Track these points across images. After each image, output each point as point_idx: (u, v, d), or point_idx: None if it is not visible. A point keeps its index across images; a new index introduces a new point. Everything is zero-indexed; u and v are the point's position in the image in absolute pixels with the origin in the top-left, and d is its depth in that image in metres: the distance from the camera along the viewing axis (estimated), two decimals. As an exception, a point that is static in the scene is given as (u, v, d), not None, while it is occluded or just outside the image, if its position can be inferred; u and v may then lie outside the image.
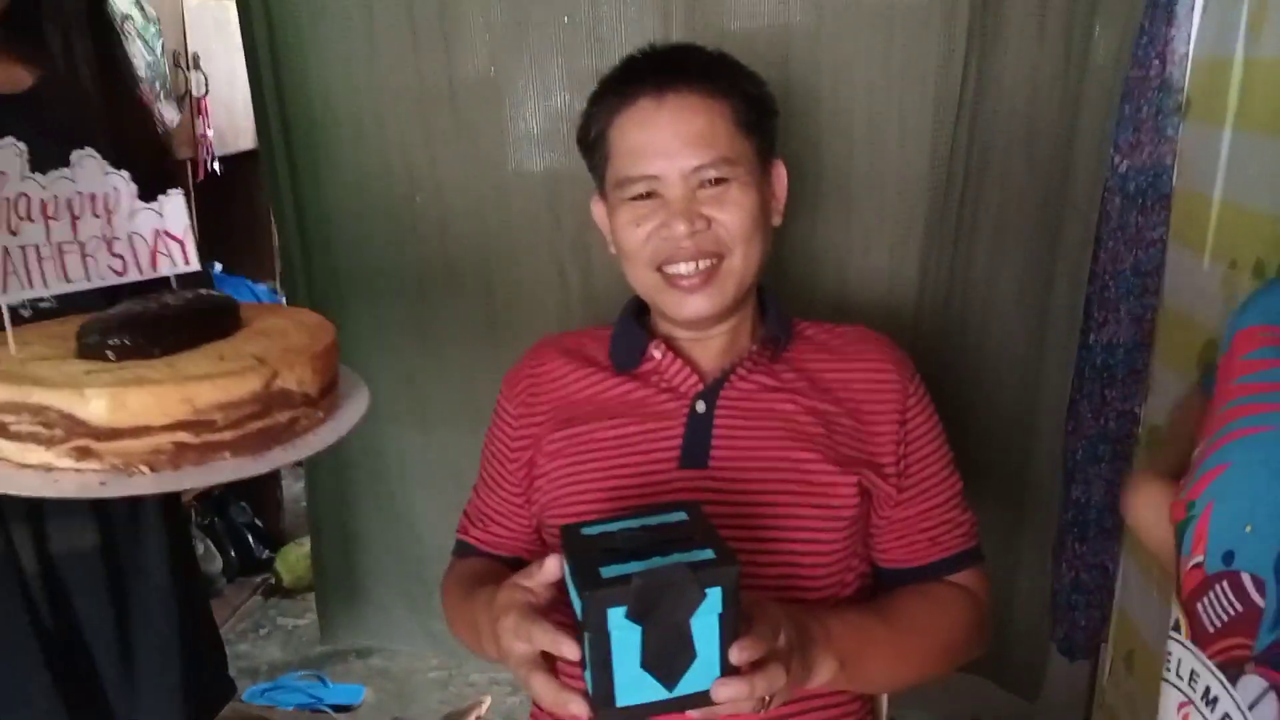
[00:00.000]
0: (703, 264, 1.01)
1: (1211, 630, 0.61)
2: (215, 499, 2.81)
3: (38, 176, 0.85)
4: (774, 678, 0.77)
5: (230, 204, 2.67)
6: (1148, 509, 0.77)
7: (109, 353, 0.82)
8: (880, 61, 1.41)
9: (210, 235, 2.45)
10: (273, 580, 2.80)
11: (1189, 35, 1.36)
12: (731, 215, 1.00)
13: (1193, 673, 0.63)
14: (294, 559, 2.77)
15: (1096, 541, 1.58)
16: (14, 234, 0.84)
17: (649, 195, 1.02)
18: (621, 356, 1.10)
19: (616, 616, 0.71)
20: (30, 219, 0.85)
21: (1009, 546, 1.58)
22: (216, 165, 2.48)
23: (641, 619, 0.72)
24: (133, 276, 0.93)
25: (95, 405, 0.76)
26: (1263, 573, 0.58)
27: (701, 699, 0.76)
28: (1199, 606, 0.63)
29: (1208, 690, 0.61)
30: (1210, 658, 0.61)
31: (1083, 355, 1.50)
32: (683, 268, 1.01)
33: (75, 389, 0.76)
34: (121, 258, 0.93)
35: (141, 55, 2.20)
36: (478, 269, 1.66)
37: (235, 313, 0.94)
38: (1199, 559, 0.63)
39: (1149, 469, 0.81)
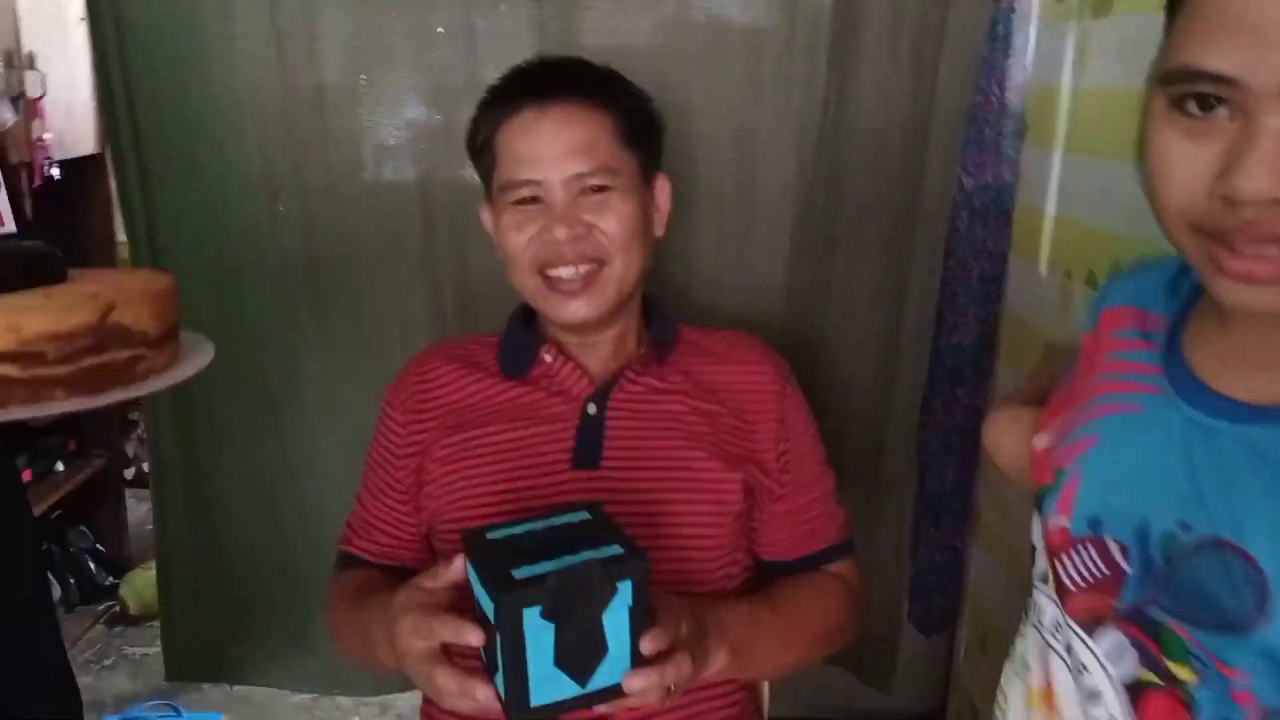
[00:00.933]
0: (583, 268, 1.03)
1: (1074, 589, 0.66)
2: (52, 523, 2.62)
3: None
4: (681, 665, 0.80)
5: (71, 210, 2.52)
6: (1006, 432, 0.81)
7: None
8: (748, 81, 1.48)
9: (50, 243, 2.30)
10: (117, 608, 2.64)
11: (1025, 65, 1.48)
12: (611, 222, 1.03)
13: (1057, 623, 0.68)
14: (140, 584, 2.61)
15: (949, 526, 1.69)
16: None
17: (532, 200, 1.03)
18: (511, 361, 1.11)
19: (531, 616, 0.72)
20: None
21: (865, 537, 1.66)
22: (55, 170, 2.33)
23: (557, 617, 0.73)
24: None
25: None
26: (1126, 539, 0.63)
27: (612, 693, 0.77)
28: (1060, 564, 0.67)
29: (1069, 645, 0.66)
30: (1070, 615, 0.66)
31: (934, 356, 1.61)
32: (564, 271, 1.04)
33: None
34: None
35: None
36: (345, 279, 1.62)
37: (61, 263, 0.87)
38: (1064, 523, 0.68)
39: (1010, 398, 0.86)
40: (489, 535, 0.81)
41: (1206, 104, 0.53)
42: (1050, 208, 1.40)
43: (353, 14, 1.52)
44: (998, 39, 1.46)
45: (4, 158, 1.20)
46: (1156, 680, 0.60)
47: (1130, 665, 0.62)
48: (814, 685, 1.79)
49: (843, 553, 1.15)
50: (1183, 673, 0.58)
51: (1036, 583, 0.72)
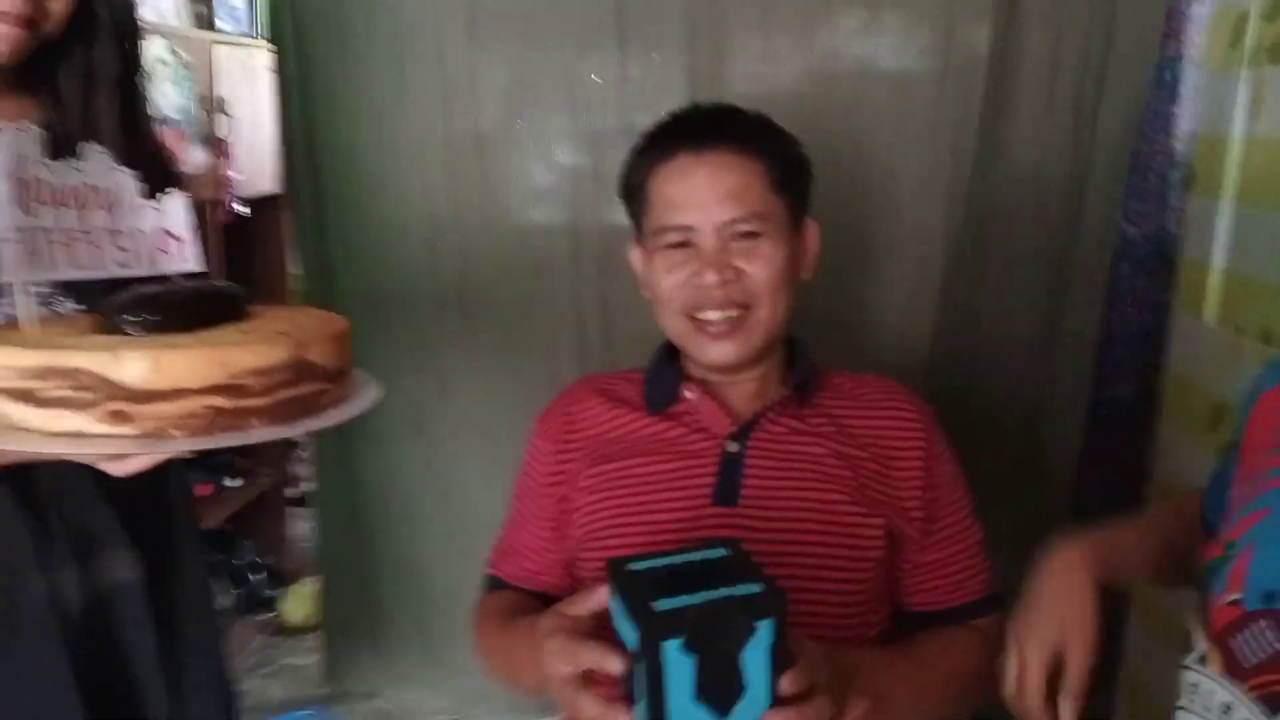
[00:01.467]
0: (731, 312, 1.05)
1: (1248, 666, 0.64)
2: (223, 535, 2.81)
3: (48, 162, 0.85)
4: (821, 709, 0.80)
5: (251, 245, 2.72)
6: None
7: (130, 328, 0.82)
8: (898, 125, 1.48)
9: (232, 275, 2.48)
10: (277, 619, 2.79)
11: (1193, 113, 1.42)
12: (760, 268, 1.04)
13: (1227, 705, 0.65)
14: (299, 598, 2.76)
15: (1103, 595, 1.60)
16: (32, 216, 0.83)
17: (683, 245, 1.05)
18: (655, 397, 1.13)
19: (672, 648, 0.73)
20: (44, 203, 0.85)
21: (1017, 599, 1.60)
22: (240, 207, 2.52)
23: (697, 650, 0.74)
24: (137, 271, 0.93)
25: (133, 367, 0.75)
26: None
27: None
28: (1232, 643, 0.65)
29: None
30: (1248, 691, 0.64)
31: (1091, 411, 1.54)
32: (711, 314, 1.05)
33: (111, 351, 0.75)
34: (126, 250, 0.93)
35: (173, 99, 2.26)
36: (495, 314, 1.71)
37: (243, 300, 0.94)
38: (1236, 596, 0.65)
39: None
40: (632, 566, 0.83)
41: None
42: (1219, 260, 1.33)
43: (512, 65, 1.60)
44: (1164, 86, 1.41)
45: (191, 198, 1.31)
46: None
47: None
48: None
49: (988, 607, 1.11)
50: None
51: (1193, 665, 0.69)
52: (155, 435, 0.76)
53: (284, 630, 2.75)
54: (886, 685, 0.95)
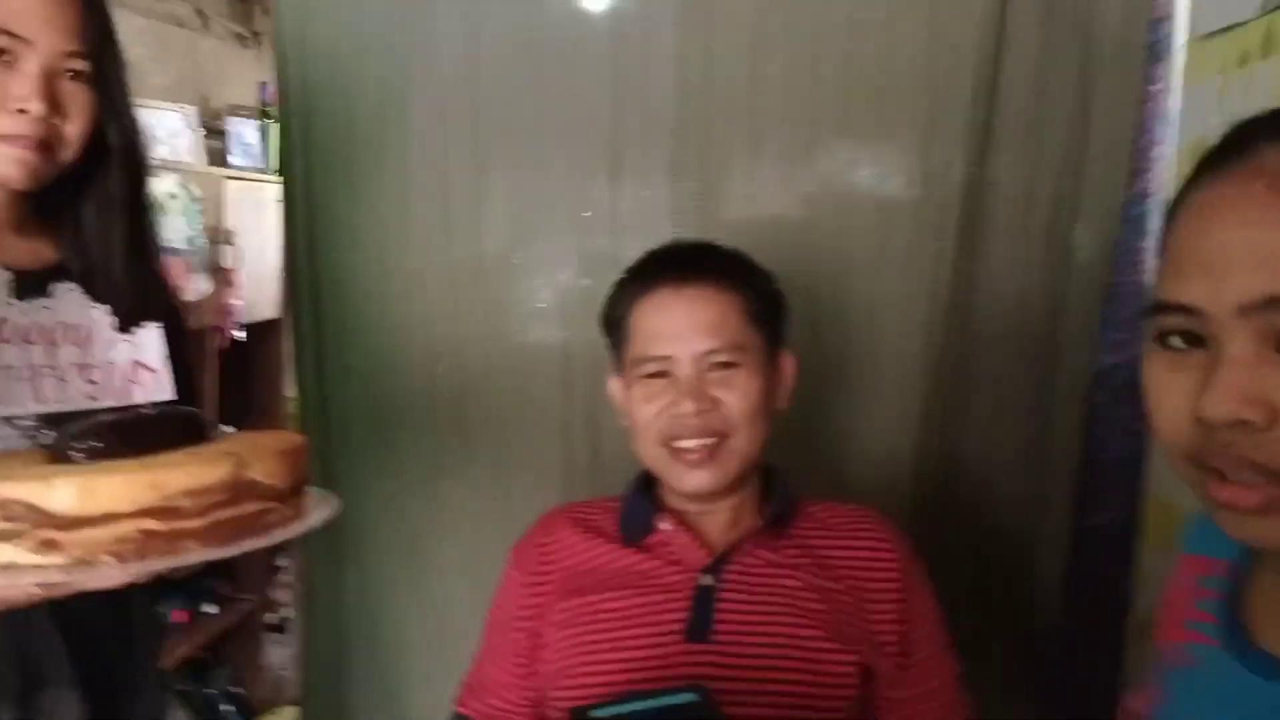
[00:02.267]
0: (707, 440, 1.07)
1: None
2: (195, 662, 2.74)
3: (16, 303, 0.87)
4: None
5: (250, 370, 2.76)
6: None
7: (78, 455, 0.81)
8: (876, 254, 1.54)
9: (229, 399, 2.51)
10: (249, 752, 2.69)
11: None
12: (737, 397, 1.07)
13: None
14: (271, 730, 2.68)
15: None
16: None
17: (662, 375, 1.09)
18: (630, 528, 1.14)
19: None
20: (9, 342, 0.86)
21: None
22: (240, 333, 2.58)
23: None
24: (106, 402, 0.94)
25: (63, 493, 0.74)
26: None
27: None
28: None
29: None
30: None
31: (1075, 540, 1.55)
32: (689, 443, 1.08)
33: (43, 480, 0.75)
34: (95, 384, 0.94)
35: (183, 230, 2.34)
36: (489, 437, 1.72)
37: (204, 425, 0.93)
38: None
39: None
40: (594, 714, 0.83)
41: (1190, 339, 0.57)
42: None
43: (513, 197, 1.67)
44: (1132, 221, 1.48)
45: (186, 324, 1.30)
46: None
47: None
48: None
49: None
50: None
51: None
52: (85, 562, 0.75)
53: (254, 763, 2.66)
54: None
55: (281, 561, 3.21)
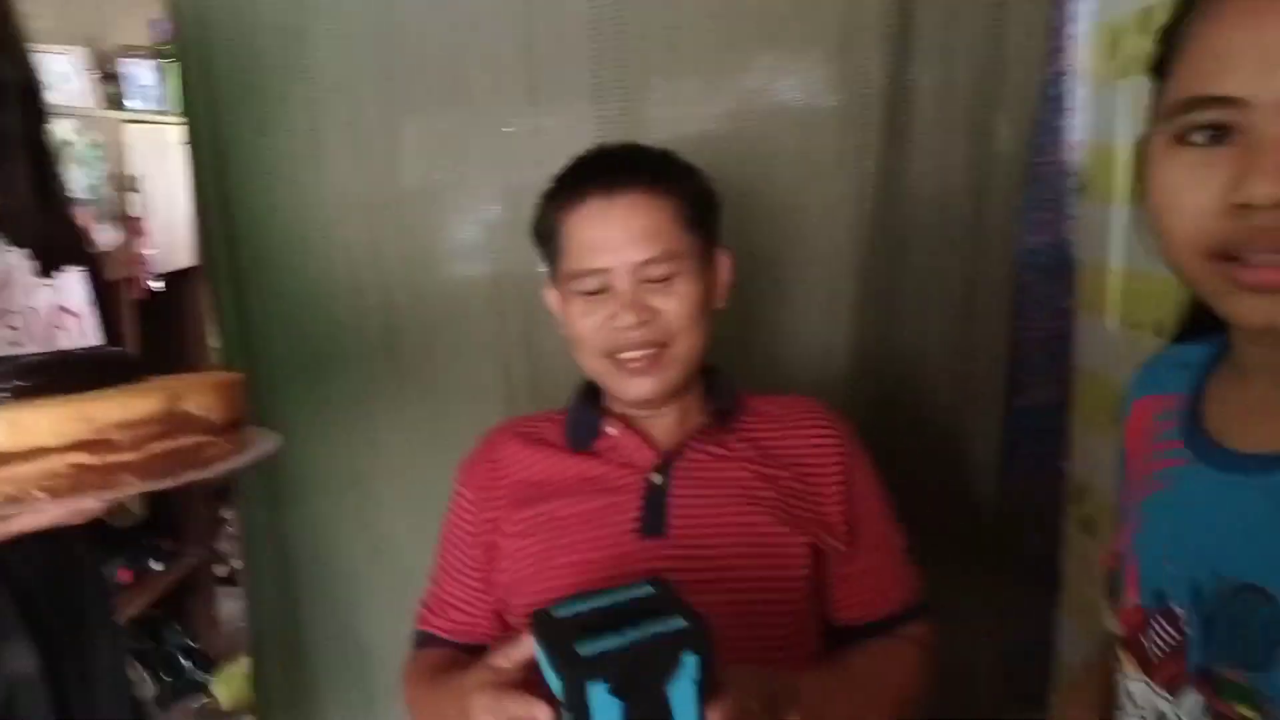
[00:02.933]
0: (649, 351, 1.06)
1: (1155, 661, 0.67)
2: (149, 621, 2.71)
3: None
4: None
5: (168, 321, 2.67)
6: None
7: (2, 395, 0.79)
8: (801, 157, 1.53)
9: (149, 352, 2.43)
10: (209, 703, 2.69)
11: (1081, 125, 1.50)
12: (676, 306, 1.06)
13: (1158, 712, 0.68)
14: (232, 680, 2.67)
15: (1034, 594, 1.64)
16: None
17: (599, 290, 1.07)
18: (577, 436, 1.14)
19: (598, 692, 0.73)
20: None
21: (951, 608, 1.63)
22: (155, 284, 2.49)
23: (623, 692, 0.73)
24: (29, 348, 0.91)
25: None
26: (1184, 603, 0.65)
27: None
28: (1142, 640, 0.68)
29: (1161, 714, 0.66)
30: (1158, 684, 0.67)
31: (1010, 419, 1.59)
32: (630, 353, 1.07)
33: None
34: (16, 329, 0.91)
35: (84, 179, 2.23)
36: (423, 370, 1.70)
37: (137, 367, 0.90)
38: (1134, 601, 0.70)
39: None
40: (555, 613, 0.82)
41: (1213, 134, 0.58)
42: (1115, 261, 1.40)
43: (427, 123, 1.62)
44: (1052, 101, 1.49)
45: (104, 275, 1.25)
46: None
47: None
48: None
49: (916, 614, 1.13)
50: (1248, 712, 0.59)
51: (1124, 672, 0.73)
52: (17, 500, 0.73)
53: (217, 714, 2.65)
54: (823, 703, 0.95)
55: (226, 513, 3.17)
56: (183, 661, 2.72)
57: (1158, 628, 0.67)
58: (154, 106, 2.74)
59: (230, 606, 3.13)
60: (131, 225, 2.44)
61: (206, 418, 0.82)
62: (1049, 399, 1.58)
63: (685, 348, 1.08)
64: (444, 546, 1.19)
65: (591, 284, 1.07)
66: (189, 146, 1.71)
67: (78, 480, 0.74)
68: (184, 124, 1.70)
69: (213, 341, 2.60)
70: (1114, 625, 0.74)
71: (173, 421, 0.79)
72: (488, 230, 1.66)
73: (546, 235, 1.13)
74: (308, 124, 1.63)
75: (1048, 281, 1.53)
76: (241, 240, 1.71)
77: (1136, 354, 1.32)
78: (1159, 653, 0.66)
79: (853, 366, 1.56)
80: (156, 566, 2.65)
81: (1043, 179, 1.51)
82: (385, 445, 1.73)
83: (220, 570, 3.07)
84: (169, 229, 2.61)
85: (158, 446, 0.78)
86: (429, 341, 1.68)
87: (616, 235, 1.06)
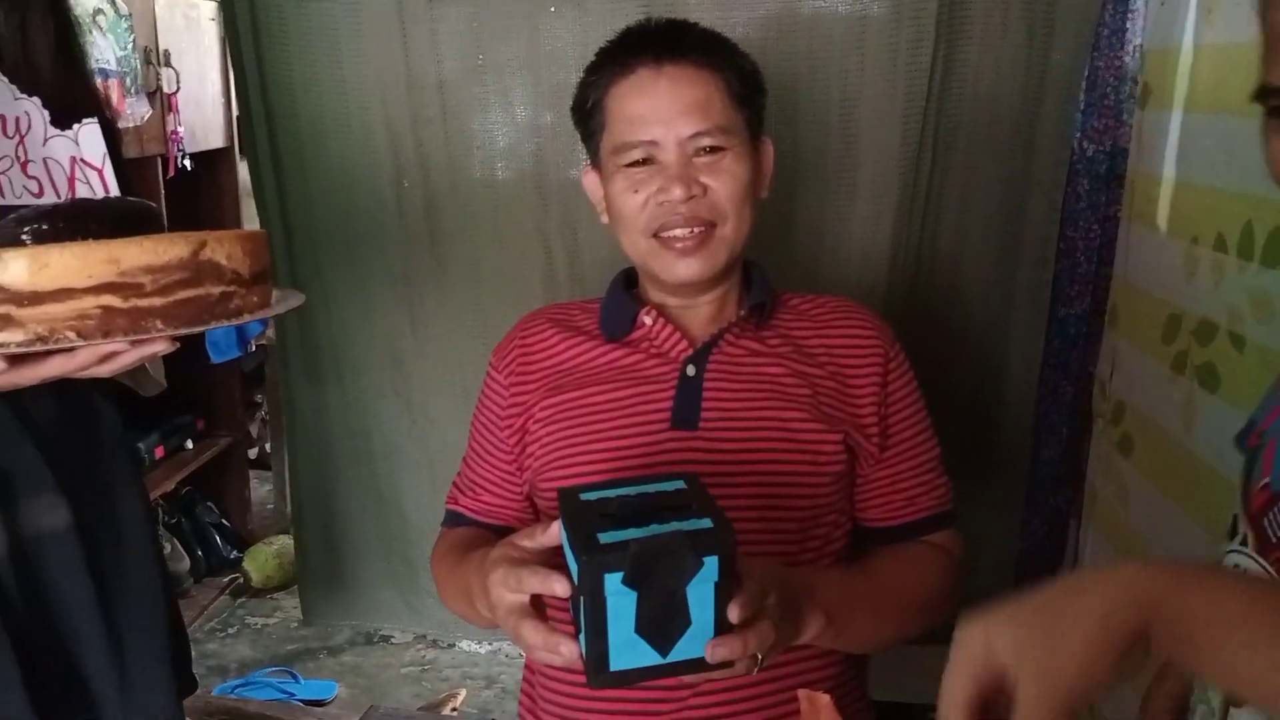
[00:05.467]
0: (696, 229, 1.04)
1: (1273, 540, 0.68)
2: (182, 498, 2.78)
3: None
4: (764, 635, 0.79)
5: (198, 201, 2.66)
6: None
7: (26, 238, 0.79)
8: (854, 50, 1.49)
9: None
10: (240, 580, 2.77)
11: (1145, 28, 1.45)
12: (726, 184, 1.03)
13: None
14: (263, 558, 2.75)
15: (1059, 497, 1.66)
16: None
17: (645, 161, 1.04)
18: (612, 325, 1.12)
19: (613, 582, 0.72)
20: None
21: (975, 515, 1.65)
22: (187, 162, 2.47)
23: (638, 585, 0.72)
24: (49, 198, 0.91)
25: (15, 266, 0.72)
26: None
27: (694, 665, 0.77)
28: (1265, 522, 0.68)
29: None
30: (1271, 564, 0.67)
31: (1053, 326, 1.58)
32: (678, 232, 1.04)
33: None
34: (37, 179, 0.91)
35: (113, 50, 2.20)
36: (464, 252, 1.70)
37: (157, 216, 0.90)
38: (1267, 480, 0.69)
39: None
40: (583, 496, 0.81)
41: None
42: (1169, 171, 1.37)
43: (472, 13, 1.58)
44: (1113, 2, 1.44)
45: (125, 149, 1.23)
46: None
47: None
48: (918, 669, 1.77)
49: (944, 523, 1.12)
50: None
51: (1235, 547, 0.72)
52: (47, 339, 0.73)
53: (248, 591, 2.74)
54: (843, 603, 0.95)
55: (258, 396, 3.21)
56: (216, 539, 2.79)
57: None
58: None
59: (260, 489, 3.21)
60: (164, 101, 2.41)
61: (233, 268, 0.81)
62: (1090, 308, 1.57)
63: (733, 229, 1.05)
64: (475, 428, 1.19)
65: (638, 154, 1.04)
66: (225, 21, 1.68)
67: (106, 322, 0.74)
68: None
69: (249, 223, 2.61)
70: (1241, 508, 0.73)
71: (200, 269, 0.78)
72: (531, 118, 1.63)
73: (590, 111, 1.09)
74: (349, 1, 1.59)
75: (1102, 190, 1.51)
76: (278, 115, 1.70)
77: (1192, 268, 1.31)
78: (1277, 533, 0.67)
79: (893, 269, 1.55)
80: (188, 445, 2.71)
81: (1103, 84, 1.47)
82: (425, 326, 1.74)
83: (251, 454, 3.13)
84: (200, 107, 2.58)
85: (184, 293, 0.77)
86: (471, 226, 1.68)
87: (665, 106, 1.02)
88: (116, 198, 0.90)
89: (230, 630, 2.62)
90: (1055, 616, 0.53)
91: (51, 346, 0.74)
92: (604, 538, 0.74)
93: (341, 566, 1.94)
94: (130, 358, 0.78)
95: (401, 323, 1.75)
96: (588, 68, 1.10)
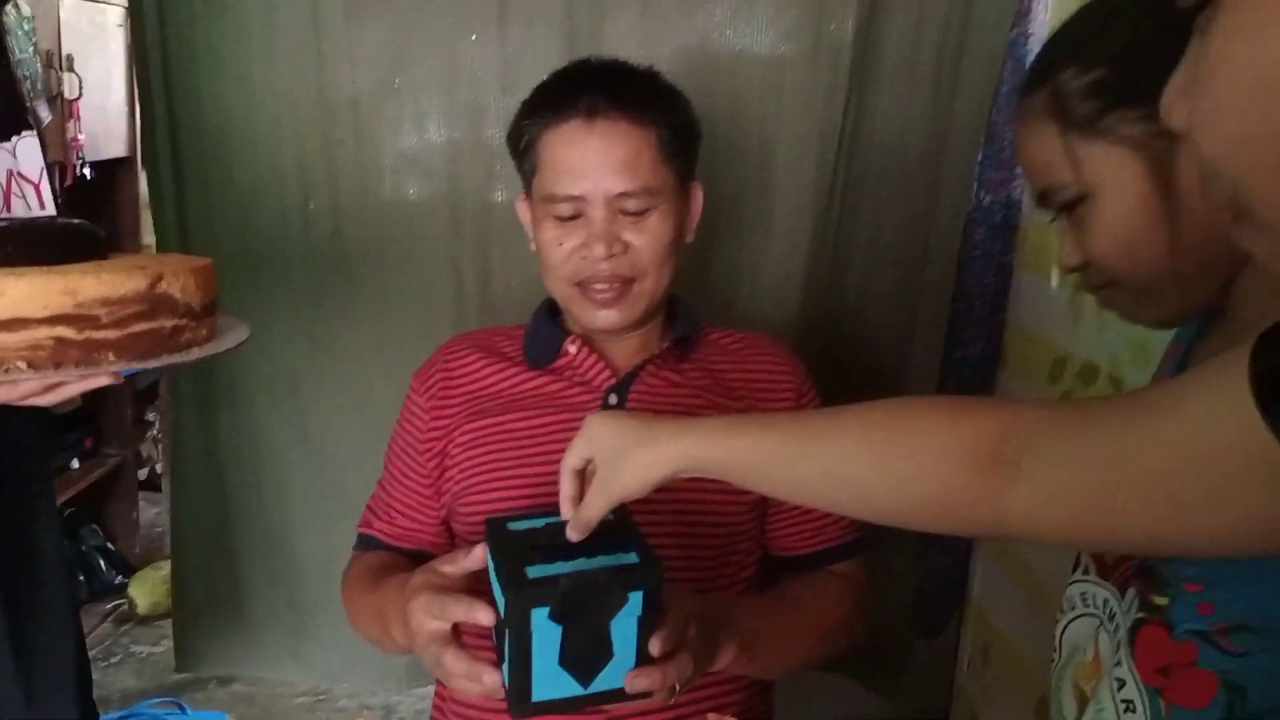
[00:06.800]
0: (616, 283, 1.06)
1: (1110, 562, 0.73)
2: (65, 519, 2.65)
3: None
4: (683, 667, 0.81)
5: (99, 211, 2.57)
6: None
7: None
8: (772, 96, 1.54)
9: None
10: (125, 606, 2.65)
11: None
12: (648, 242, 1.05)
13: (1105, 600, 0.73)
14: (150, 584, 2.63)
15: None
16: None
17: (573, 216, 1.05)
18: (536, 352, 1.13)
19: (540, 616, 0.73)
20: None
21: (875, 543, 1.69)
22: (86, 170, 2.39)
23: (564, 620, 0.73)
24: None
25: None
26: None
27: (614, 695, 0.78)
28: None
29: (1110, 610, 0.72)
30: (1114, 584, 0.72)
31: (947, 368, 1.64)
32: (598, 285, 1.06)
33: None
34: None
35: (12, 52, 2.12)
36: (371, 276, 1.67)
37: (105, 241, 0.90)
38: None
39: None
40: (510, 526, 0.82)
41: None
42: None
43: (389, 22, 1.57)
44: (1016, 61, 1.51)
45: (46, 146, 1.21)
46: (1144, 615, 0.66)
47: (1134, 610, 0.67)
48: (820, 692, 1.81)
49: (851, 551, 1.16)
50: (1160, 600, 0.64)
51: (1078, 577, 0.77)
52: None
53: (132, 618, 2.62)
54: (757, 630, 0.97)
55: (150, 415, 3.10)
56: (100, 563, 2.67)
57: None
58: (92, -15, 2.60)
59: (150, 511, 3.08)
60: (64, 107, 2.33)
61: (186, 301, 0.81)
62: (983, 352, 1.63)
63: (652, 283, 1.07)
64: (393, 452, 1.18)
65: (566, 210, 1.05)
66: (133, 28, 1.63)
67: (59, 353, 0.74)
68: (127, 5, 1.62)
69: (146, 238, 2.53)
70: None
71: (155, 302, 0.78)
72: (448, 143, 1.63)
73: (524, 148, 1.10)
74: (262, 14, 1.57)
75: (996, 238, 1.57)
76: (184, 130, 1.65)
77: (1077, 315, 1.38)
78: (1112, 556, 0.72)
79: (805, 304, 1.59)
80: (74, 464, 2.59)
81: (999, 137, 1.54)
82: (328, 353, 1.70)
83: (141, 473, 3.01)
84: (103, 114, 2.49)
85: (139, 326, 0.77)
86: (380, 252, 1.66)
87: (595, 163, 1.03)
88: (64, 220, 0.88)
89: (113, 659, 2.50)
90: (626, 451, 0.75)
91: (1, 378, 0.72)
92: (532, 572, 0.74)
93: (222, 608, 1.85)
94: (75, 389, 0.77)
95: (301, 349, 1.70)
96: (524, 104, 1.10)
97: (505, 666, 0.77)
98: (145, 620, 2.62)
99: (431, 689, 1.14)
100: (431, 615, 0.84)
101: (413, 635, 0.87)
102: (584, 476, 0.80)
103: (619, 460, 0.76)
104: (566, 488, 0.81)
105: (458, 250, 1.64)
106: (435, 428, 1.12)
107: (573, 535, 0.79)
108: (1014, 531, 0.61)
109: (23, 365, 0.73)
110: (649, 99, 1.07)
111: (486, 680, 0.81)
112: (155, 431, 3.13)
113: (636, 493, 0.76)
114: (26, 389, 0.75)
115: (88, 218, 2.59)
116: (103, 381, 0.77)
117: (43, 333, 0.73)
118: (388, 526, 1.16)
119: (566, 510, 0.81)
